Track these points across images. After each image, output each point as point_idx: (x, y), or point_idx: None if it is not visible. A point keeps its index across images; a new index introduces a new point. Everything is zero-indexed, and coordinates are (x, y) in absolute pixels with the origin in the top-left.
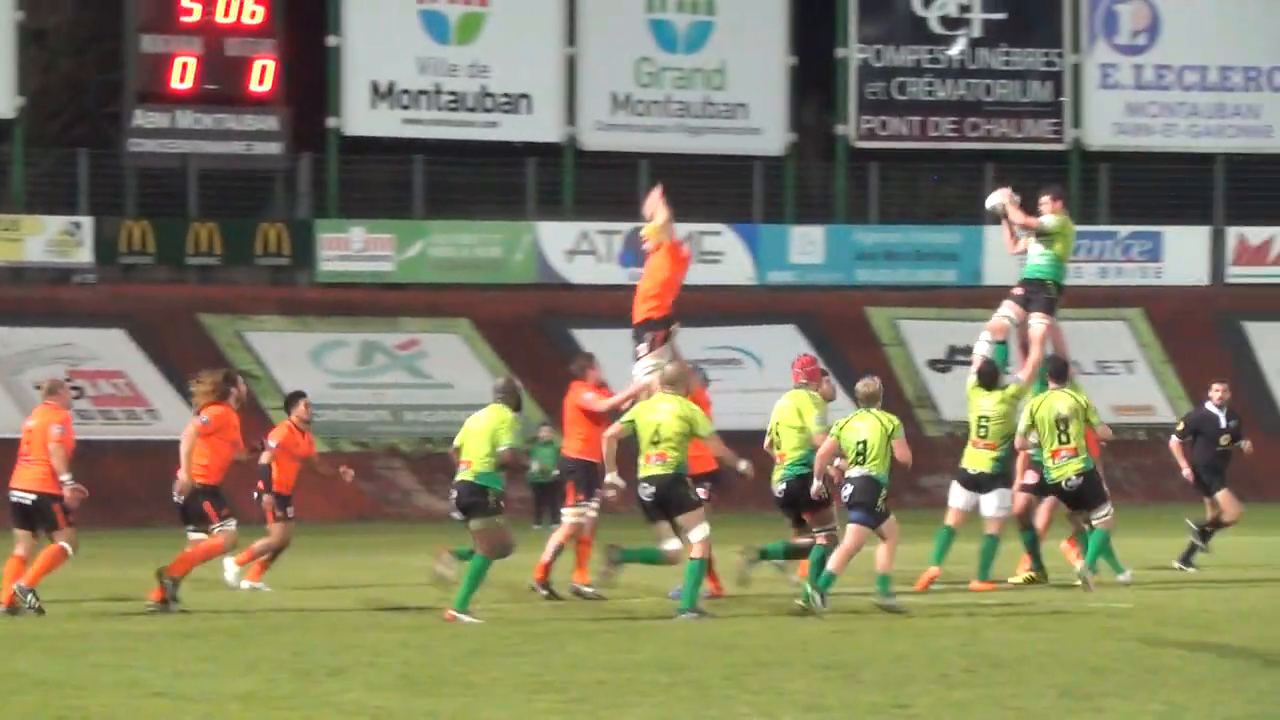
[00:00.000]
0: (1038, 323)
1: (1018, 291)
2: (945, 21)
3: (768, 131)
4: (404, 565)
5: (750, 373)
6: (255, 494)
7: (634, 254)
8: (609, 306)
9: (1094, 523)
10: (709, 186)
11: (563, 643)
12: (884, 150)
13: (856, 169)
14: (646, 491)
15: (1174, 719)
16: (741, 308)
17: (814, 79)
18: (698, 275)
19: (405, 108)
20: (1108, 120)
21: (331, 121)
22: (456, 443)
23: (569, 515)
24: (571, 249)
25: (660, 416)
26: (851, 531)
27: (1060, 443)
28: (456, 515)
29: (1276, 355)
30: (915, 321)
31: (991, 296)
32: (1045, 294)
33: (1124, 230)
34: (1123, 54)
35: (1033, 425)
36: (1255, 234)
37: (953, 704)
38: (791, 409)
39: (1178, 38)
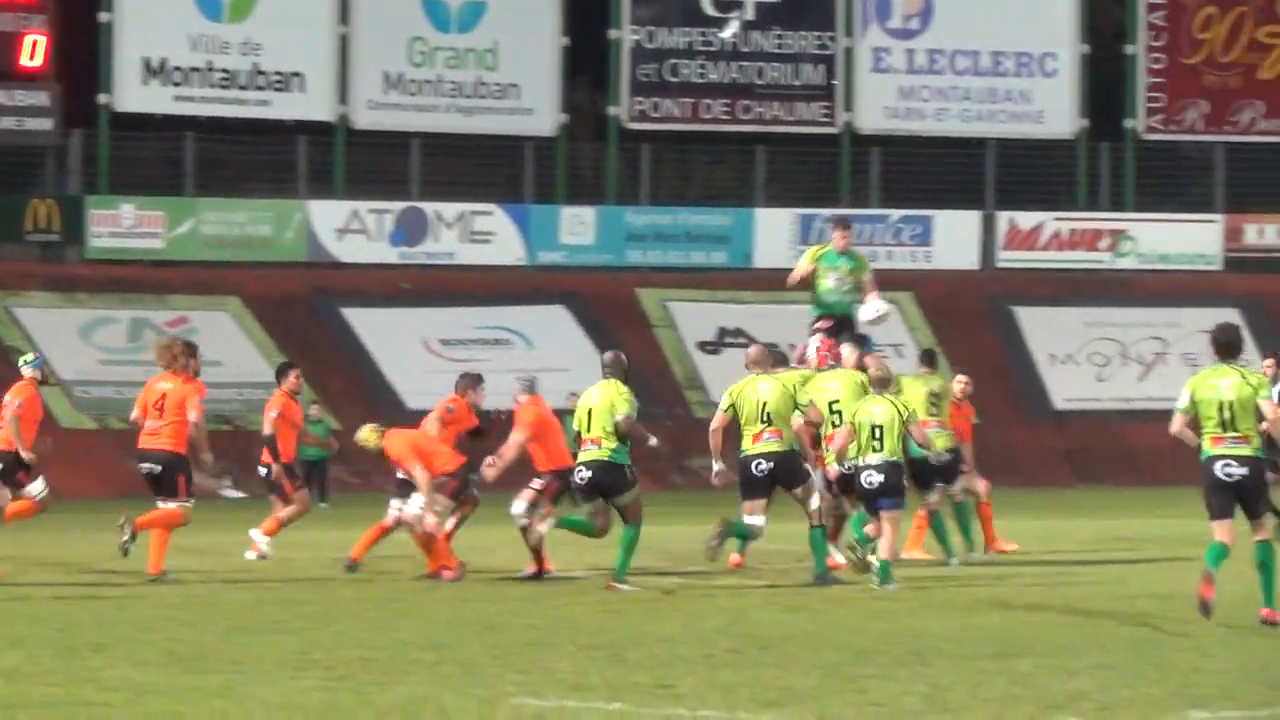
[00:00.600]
0: (849, 355)
1: (824, 325)
2: (718, 4)
3: (540, 112)
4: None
5: (519, 353)
6: (263, 469)
7: (404, 233)
8: (379, 285)
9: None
10: (481, 166)
11: (328, 620)
12: (656, 132)
13: (628, 150)
14: (762, 467)
15: (937, 700)
16: (512, 288)
17: (586, 60)
18: (468, 255)
19: (177, 85)
20: (879, 104)
21: (103, 98)
22: (576, 426)
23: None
24: (342, 228)
25: (764, 395)
26: (891, 520)
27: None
28: (580, 496)
29: (1046, 340)
30: (685, 303)
31: (762, 279)
32: (852, 325)
33: (895, 214)
34: (895, 38)
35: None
36: (1026, 219)
37: (717, 685)
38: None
39: (950, 23)
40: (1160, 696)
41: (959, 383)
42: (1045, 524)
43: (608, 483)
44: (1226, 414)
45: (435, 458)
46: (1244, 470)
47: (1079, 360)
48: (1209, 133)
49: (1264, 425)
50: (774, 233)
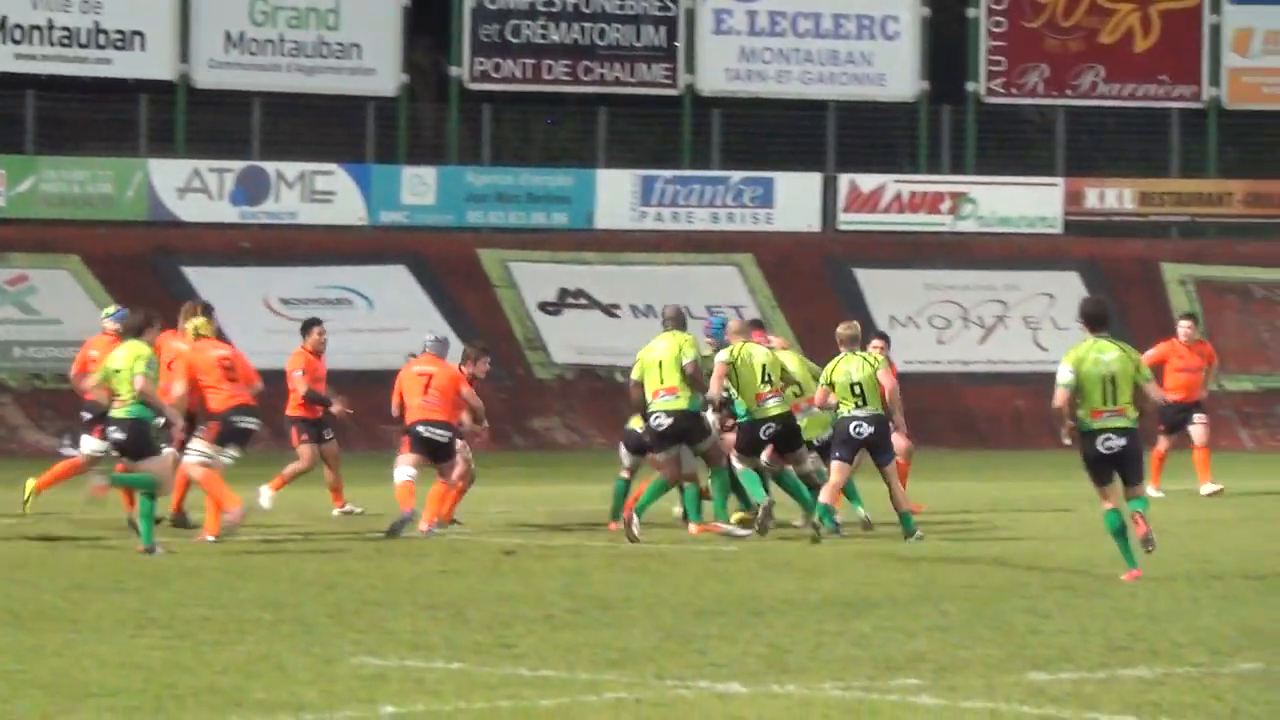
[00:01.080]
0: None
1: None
2: None
3: (381, 72)
4: (7, 500)
5: (360, 313)
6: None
7: (244, 192)
8: (220, 244)
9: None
10: (322, 126)
11: (167, 579)
12: (497, 92)
13: (469, 111)
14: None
15: (777, 661)
16: (352, 248)
17: (427, 20)
18: (309, 215)
19: (17, 42)
20: (721, 66)
21: None
22: (636, 376)
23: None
24: (183, 187)
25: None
26: (894, 473)
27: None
28: (657, 443)
29: (887, 302)
30: (526, 264)
31: (603, 239)
32: None
33: (736, 176)
34: (737, 0)
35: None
36: (866, 181)
37: (557, 645)
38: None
39: None
40: (999, 658)
41: (874, 347)
42: (883, 486)
43: (688, 429)
44: (1109, 387)
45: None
46: (1123, 441)
47: (919, 323)
48: (1050, 96)
49: (1152, 398)
50: (615, 194)
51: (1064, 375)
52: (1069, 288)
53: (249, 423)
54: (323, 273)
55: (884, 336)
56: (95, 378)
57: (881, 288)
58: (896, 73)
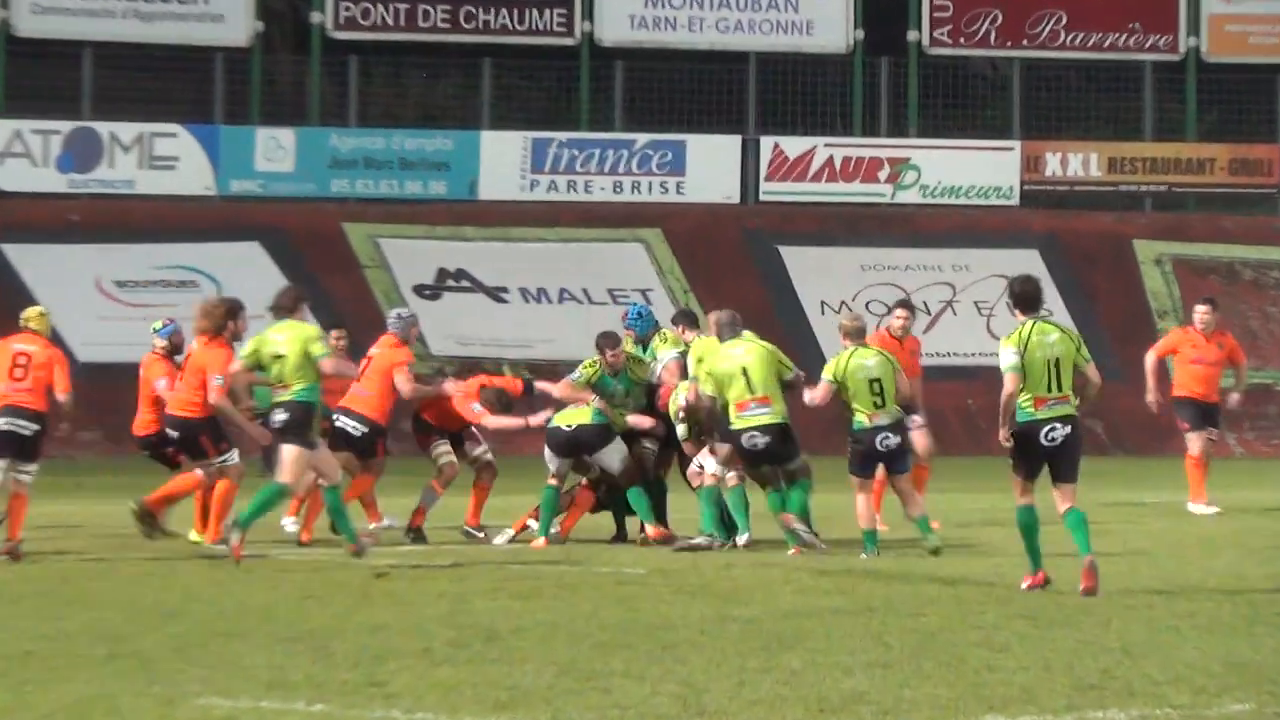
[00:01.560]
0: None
1: None
2: None
3: (230, 19)
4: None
5: (209, 296)
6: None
7: (73, 157)
8: (44, 217)
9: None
10: (162, 81)
11: None
12: (365, 43)
13: (333, 64)
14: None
15: (693, 701)
16: (198, 222)
17: None
18: (148, 183)
19: None
20: (624, 13)
21: None
22: (710, 390)
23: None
24: (2, 150)
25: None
26: (909, 480)
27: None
28: (750, 462)
29: (817, 284)
30: (400, 240)
31: (488, 212)
32: None
33: (642, 139)
34: None
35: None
36: (793, 145)
37: (436, 683)
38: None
39: None
40: (949, 698)
41: (898, 318)
42: (815, 498)
43: (783, 446)
44: (1053, 372)
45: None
46: (1067, 430)
47: (854, 309)
48: (1003, 47)
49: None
50: (502, 159)
51: (1009, 359)
52: (1027, 268)
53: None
54: (164, 250)
55: (908, 305)
56: (241, 365)
57: (810, 268)
58: (827, 20)
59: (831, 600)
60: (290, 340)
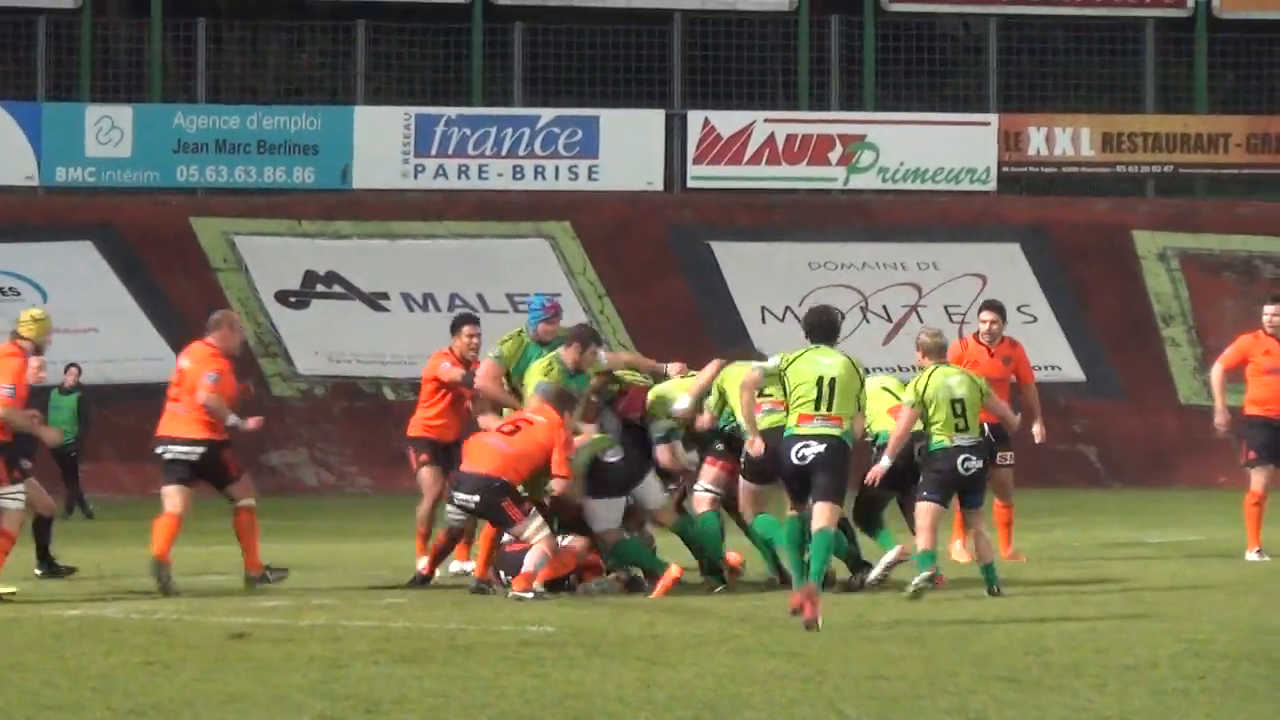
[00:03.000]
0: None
1: None
2: None
3: None
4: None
5: (31, 306)
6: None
7: None
8: None
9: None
10: None
11: None
12: (216, 2)
13: (177, 27)
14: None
15: None
16: (18, 218)
17: None
18: None
19: None
20: None
21: None
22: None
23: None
24: None
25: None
26: (981, 516)
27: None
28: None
29: (756, 286)
30: (259, 238)
31: (364, 204)
32: None
33: (546, 115)
34: None
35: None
36: (726, 121)
37: None
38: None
39: None
40: None
41: (984, 322)
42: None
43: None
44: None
45: None
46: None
47: (801, 314)
48: (977, 2)
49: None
50: (380, 141)
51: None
52: (1008, 265)
53: None
54: None
55: (995, 306)
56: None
57: (748, 267)
58: None
59: (776, 662)
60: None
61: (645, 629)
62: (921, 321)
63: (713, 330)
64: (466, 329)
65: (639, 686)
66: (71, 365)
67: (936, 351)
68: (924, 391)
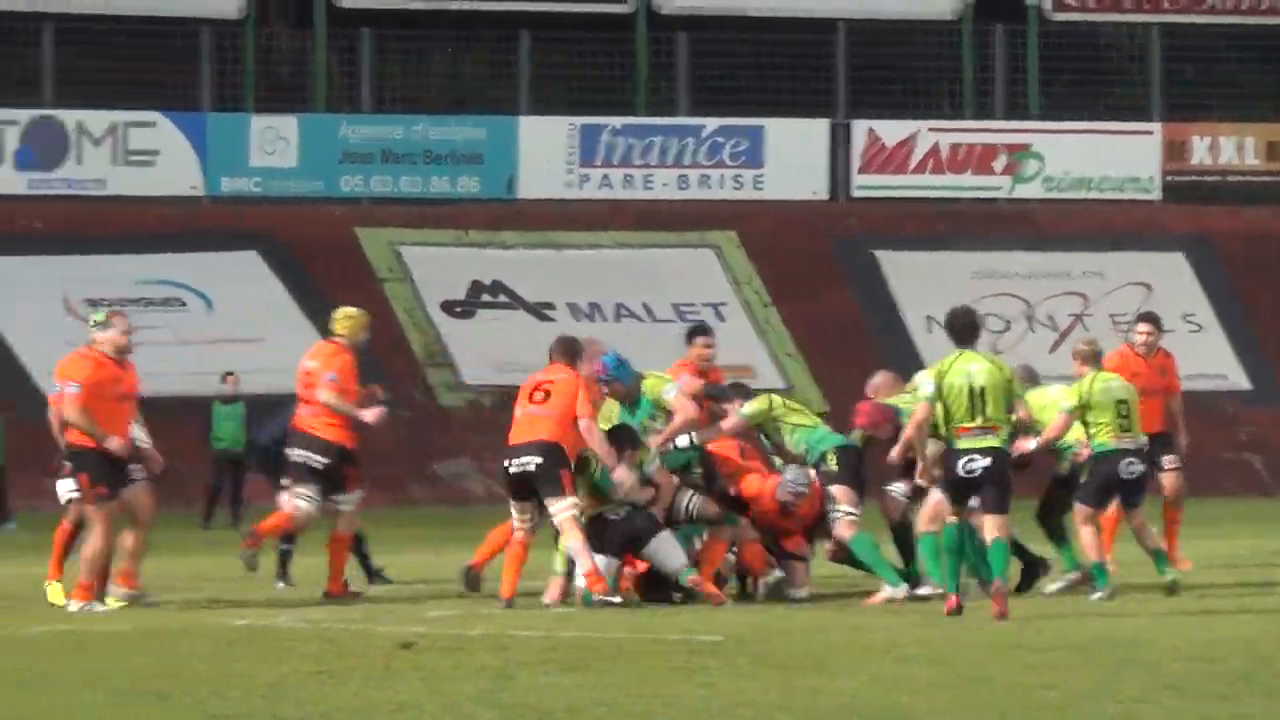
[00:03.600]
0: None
1: None
2: None
3: None
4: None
5: (196, 317)
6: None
7: (33, 152)
8: (2, 223)
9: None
10: (138, 60)
11: None
12: (381, 12)
13: (342, 37)
14: None
15: None
16: (184, 228)
17: None
18: (123, 183)
19: None
20: None
21: None
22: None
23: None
24: None
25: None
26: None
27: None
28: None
29: (920, 295)
30: (425, 248)
31: (529, 214)
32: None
33: (711, 124)
34: None
35: None
36: (891, 130)
37: None
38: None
39: None
40: None
41: (1140, 333)
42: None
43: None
44: (978, 402)
45: None
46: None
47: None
48: (1141, 11)
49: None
50: (544, 151)
51: (925, 388)
52: (1172, 274)
53: None
54: (144, 262)
55: (1151, 318)
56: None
57: (913, 276)
58: None
59: (940, 671)
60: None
61: (812, 638)
62: (1087, 330)
63: (877, 340)
64: (701, 340)
65: (807, 695)
66: (229, 374)
67: (1093, 359)
68: (1088, 396)
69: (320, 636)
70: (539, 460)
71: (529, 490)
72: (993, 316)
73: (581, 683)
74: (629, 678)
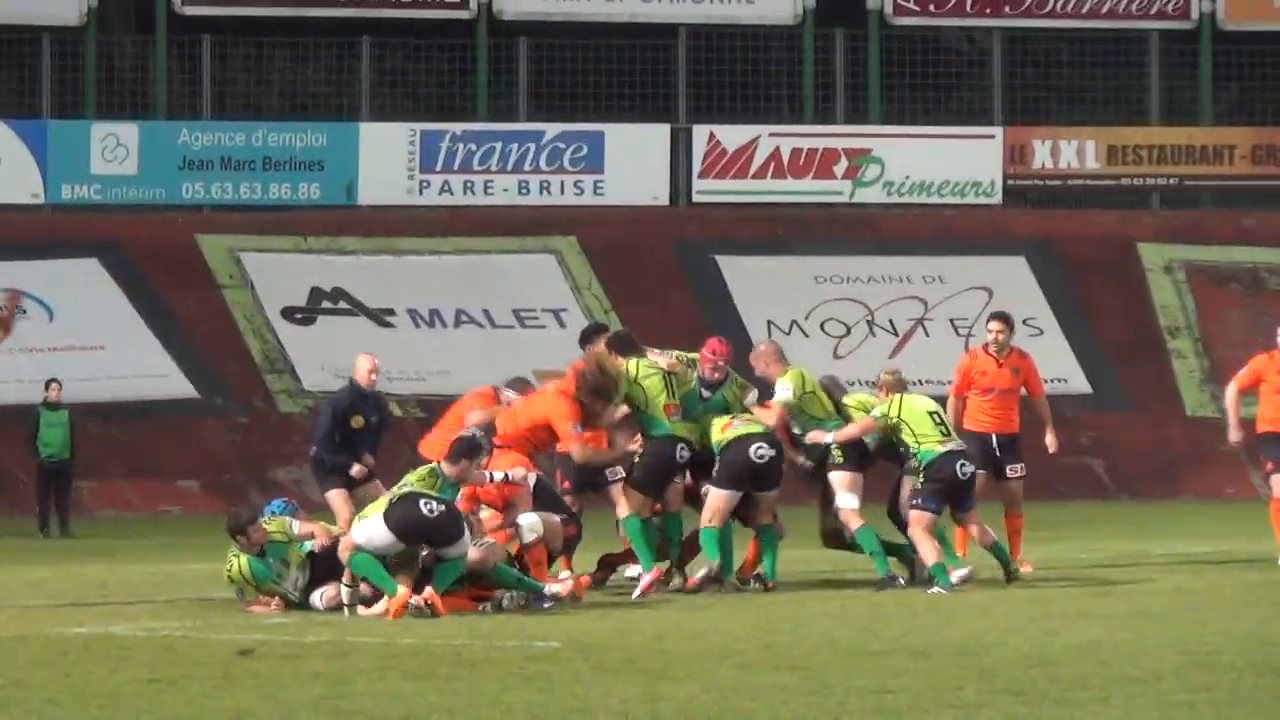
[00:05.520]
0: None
1: None
2: None
3: None
4: None
5: (37, 326)
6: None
7: None
8: None
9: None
10: None
11: None
12: (222, 19)
13: (183, 45)
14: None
15: None
16: (23, 236)
17: None
18: None
19: None
20: None
21: None
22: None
23: None
24: None
25: None
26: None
27: None
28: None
29: (761, 300)
30: (265, 254)
31: (369, 220)
32: None
33: (552, 130)
34: None
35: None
36: (732, 135)
37: None
38: None
39: None
40: None
41: (991, 332)
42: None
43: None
44: None
45: None
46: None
47: (807, 329)
48: (982, 15)
49: None
50: (385, 157)
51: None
52: (1014, 278)
53: None
54: None
55: (1003, 317)
56: None
57: (753, 281)
58: None
59: (781, 676)
60: None
61: (651, 644)
62: (928, 335)
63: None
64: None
65: (644, 701)
66: (53, 381)
67: (899, 387)
68: (898, 414)
69: (158, 644)
70: None
71: None
72: (834, 321)
73: (420, 690)
74: (468, 685)
